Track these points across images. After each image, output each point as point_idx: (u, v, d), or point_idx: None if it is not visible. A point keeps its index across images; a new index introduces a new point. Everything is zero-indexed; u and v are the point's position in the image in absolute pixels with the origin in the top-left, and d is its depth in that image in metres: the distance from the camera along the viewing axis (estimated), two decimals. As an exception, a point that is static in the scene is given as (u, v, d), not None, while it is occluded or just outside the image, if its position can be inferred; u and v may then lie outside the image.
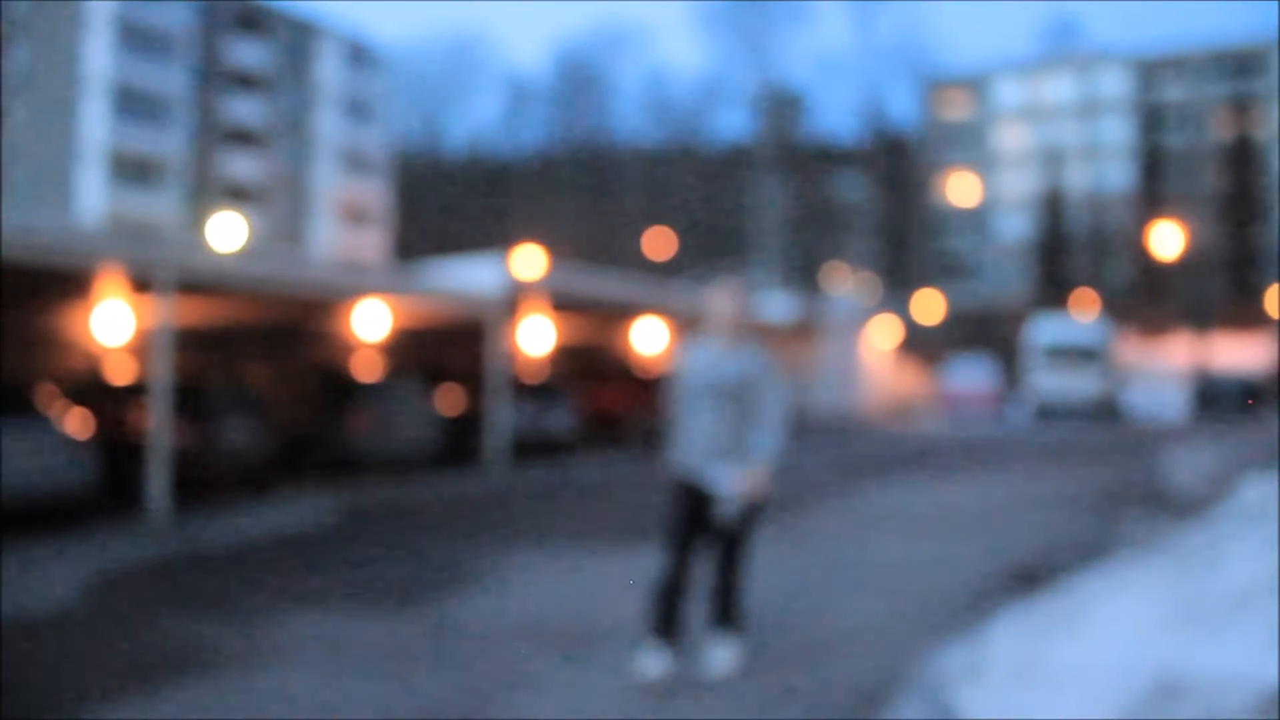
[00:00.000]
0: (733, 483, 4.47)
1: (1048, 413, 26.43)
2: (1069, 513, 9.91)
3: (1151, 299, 46.70)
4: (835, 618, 5.99)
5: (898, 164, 56.91)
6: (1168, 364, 37.00)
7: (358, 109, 52.67)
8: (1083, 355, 26.82)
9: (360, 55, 53.01)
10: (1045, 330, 28.05)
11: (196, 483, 11.38)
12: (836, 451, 17.84)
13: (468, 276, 16.36)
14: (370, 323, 15.58)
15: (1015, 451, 17.28)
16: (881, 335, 32.21)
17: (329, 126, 51.13)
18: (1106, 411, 26.12)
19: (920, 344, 41.27)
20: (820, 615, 6.04)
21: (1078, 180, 54.79)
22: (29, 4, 42.46)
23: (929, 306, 49.02)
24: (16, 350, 13.65)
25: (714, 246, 55.26)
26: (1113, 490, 11.35)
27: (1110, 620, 5.51)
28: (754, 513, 4.61)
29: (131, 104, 42.21)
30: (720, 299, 4.60)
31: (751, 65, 56.02)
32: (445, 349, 18.21)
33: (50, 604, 6.62)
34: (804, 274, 52.29)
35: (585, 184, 60.53)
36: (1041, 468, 14.27)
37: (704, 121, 61.07)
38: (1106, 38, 68.31)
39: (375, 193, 53.27)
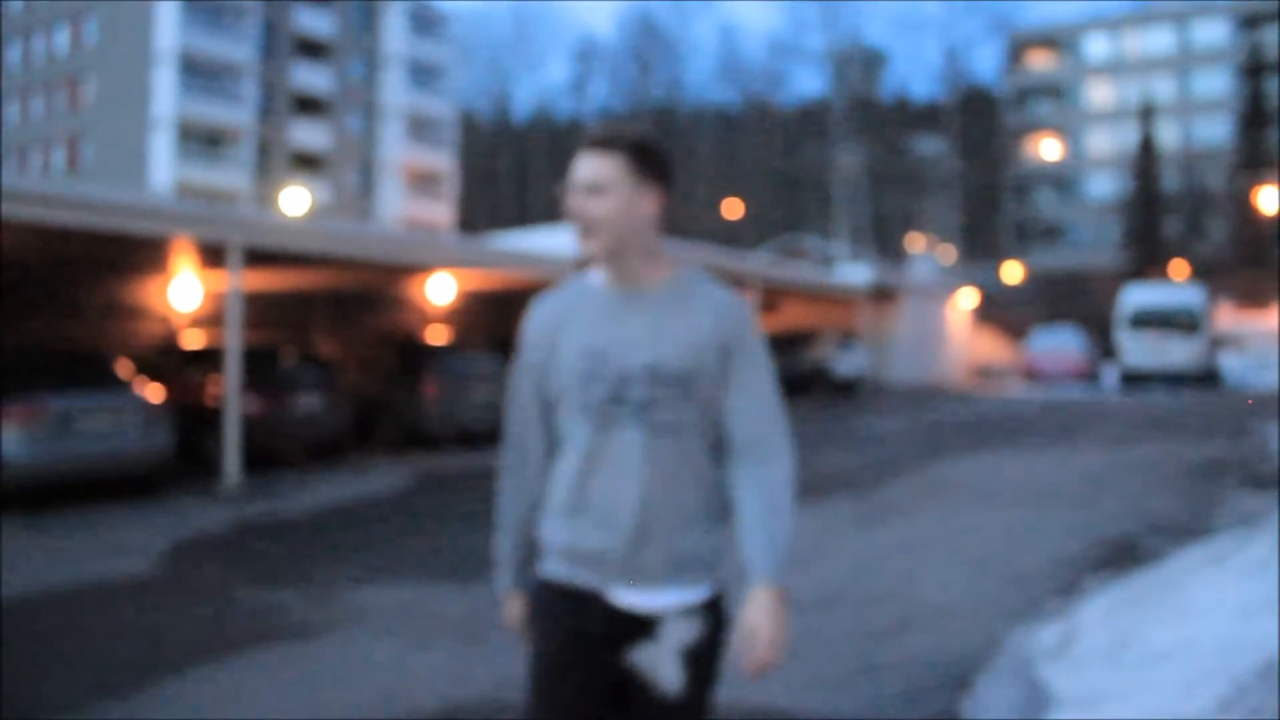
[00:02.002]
0: (690, 620, 1.97)
1: (1134, 379, 25.56)
2: (1162, 485, 9.52)
3: (1251, 262, 44.62)
4: (920, 592, 5.81)
5: (981, 123, 55.28)
6: (1269, 330, 35.42)
7: (425, 74, 52.47)
8: (1173, 321, 25.82)
9: (427, 20, 52.80)
10: (1133, 296, 27.09)
11: (269, 451, 11.59)
12: (917, 419, 17.49)
13: (539, 244, 16.33)
14: (441, 290, 15.68)
15: (1104, 420, 16.73)
16: (963, 301, 31.48)
17: (396, 93, 51.03)
18: (1200, 379, 25.15)
19: (1004, 310, 40.28)
20: (905, 589, 5.87)
21: (1172, 137, 52.59)
22: None
23: (1013, 272, 47.78)
24: (94, 318, 14.08)
25: (790, 211, 54.56)
26: (1208, 462, 10.88)
27: (1209, 598, 5.25)
28: (711, 672, 2.02)
29: (199, 75, 42.65)
30: (589, 193, 1.99)
31: (828, 21, 54.79)
32: (518, 316, 18.27)
33: (129, 570, 6.77)
34: (884, 238, 51.30)
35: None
36: (1132, 437, 13.78)
37: (779, 81, 60.11)
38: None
39: (443, 159, 53.26)
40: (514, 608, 2.18)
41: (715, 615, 2.01)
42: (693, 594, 1.97)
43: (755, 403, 2.04)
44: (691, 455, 2.00)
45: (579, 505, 1.99)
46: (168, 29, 41.62)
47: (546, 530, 2.05)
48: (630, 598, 1.97)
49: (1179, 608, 5.20)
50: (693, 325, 2.01)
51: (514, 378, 2.16)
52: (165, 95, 41.78)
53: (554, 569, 2.02)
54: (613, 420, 1.96)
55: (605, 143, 2.00)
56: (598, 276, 2.08)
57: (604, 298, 2.05)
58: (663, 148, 2.05)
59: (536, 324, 2.11)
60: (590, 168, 1.99)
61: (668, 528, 1.96)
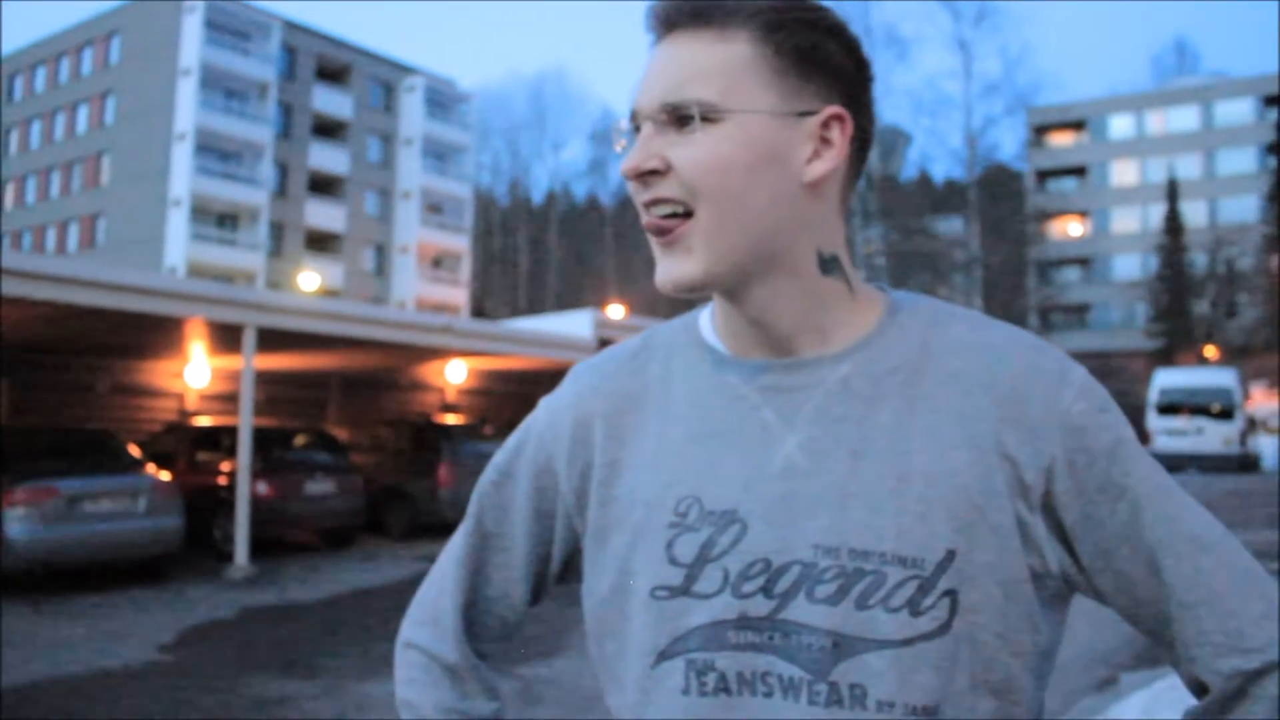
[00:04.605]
0: None
1: (1167, 466, 24.97)
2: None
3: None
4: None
5: (1004, 203, 55.33)
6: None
7: (442, 156, 52.22)
8: (1206, 405, 25.39)
9: (445, 101, 52.68)
10: (1164, 380, 26.74)
11: (279, 535, 11.43)
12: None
13: (557, 328, 16.30)
14: (456, 373, 15.64)
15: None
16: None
17: (413, 174, 50.60)
18: (1232, 466, 24.60)
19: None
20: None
21: (1198, 215, 52.41)
22: (118, 62, 43.79)
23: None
24: (105, 398, 14.09)
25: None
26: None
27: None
28: None
29: (215, 154, 42.47)
30: (674, 121, 0.89)
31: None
32: (535, 400, 18.19)
33: (135, 658, 6.60)
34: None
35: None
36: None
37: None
38: (1224, 64, 65.77)
39: (459, 241, 52.59)
40: None
41: None
42: None
43: (1237, 571, 0.88)
44: None
45: None
46: (186, 109, 41.49)
47: None
48: None
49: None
50: (954, 436, 0.85)
51: (467, 539, 1.08)
52: (181, 174, 41.52)
53: None
54: (753, 679, 0.84)
55: (709, 14, 0.87)
56: (709, 329, 0.96)
57: (728, 380, 0.92)
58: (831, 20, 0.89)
59: (564, 420, 1.03)
60: (685, 58, 0.87)
61: None
